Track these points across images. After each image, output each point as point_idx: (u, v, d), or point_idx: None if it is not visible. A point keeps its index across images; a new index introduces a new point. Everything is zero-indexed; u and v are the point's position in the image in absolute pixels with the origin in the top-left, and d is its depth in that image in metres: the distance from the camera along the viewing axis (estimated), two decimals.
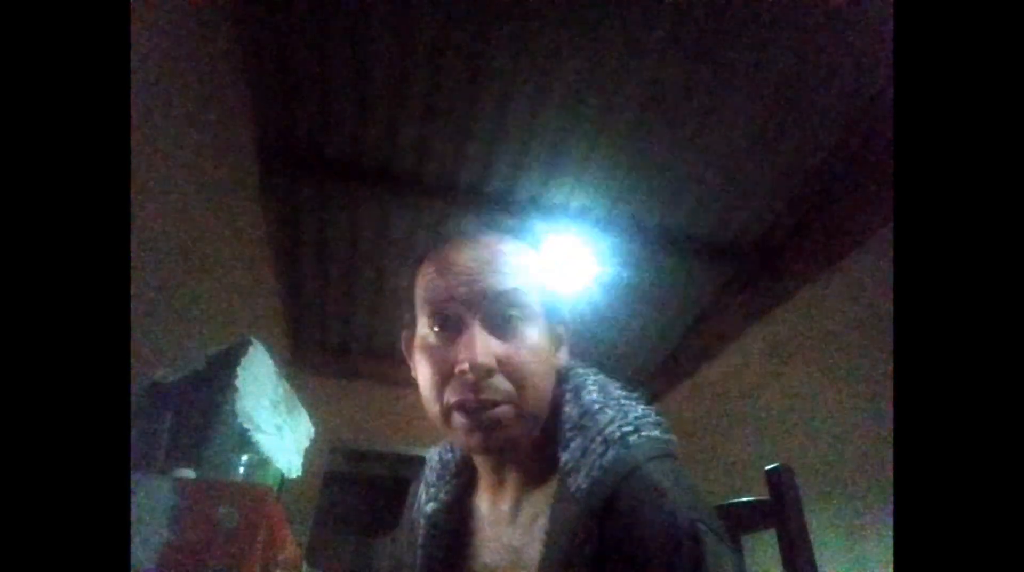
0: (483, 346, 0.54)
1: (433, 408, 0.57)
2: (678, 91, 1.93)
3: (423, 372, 0.58)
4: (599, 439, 0.53)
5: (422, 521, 0.64)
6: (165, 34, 1.36)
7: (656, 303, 2.93)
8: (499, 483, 0.61)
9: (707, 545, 0.45)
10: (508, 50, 1.85)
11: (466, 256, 0.58)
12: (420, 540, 0.62)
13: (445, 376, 0.55)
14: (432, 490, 0.66)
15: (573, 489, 0.51)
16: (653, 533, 0.46)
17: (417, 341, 0.59)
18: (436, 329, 0.57)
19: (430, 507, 0.64)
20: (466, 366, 0.52)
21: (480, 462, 0.63)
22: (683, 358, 3.30)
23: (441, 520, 0.63)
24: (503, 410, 0.54)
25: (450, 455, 0.68)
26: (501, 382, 0.54)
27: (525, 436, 0.56)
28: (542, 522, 0.54)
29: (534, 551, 0.53)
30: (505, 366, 0.54)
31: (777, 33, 1.73)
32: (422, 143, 2.18)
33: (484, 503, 0.63)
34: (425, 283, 0.59)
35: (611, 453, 0.51)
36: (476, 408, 0.54)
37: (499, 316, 0.56)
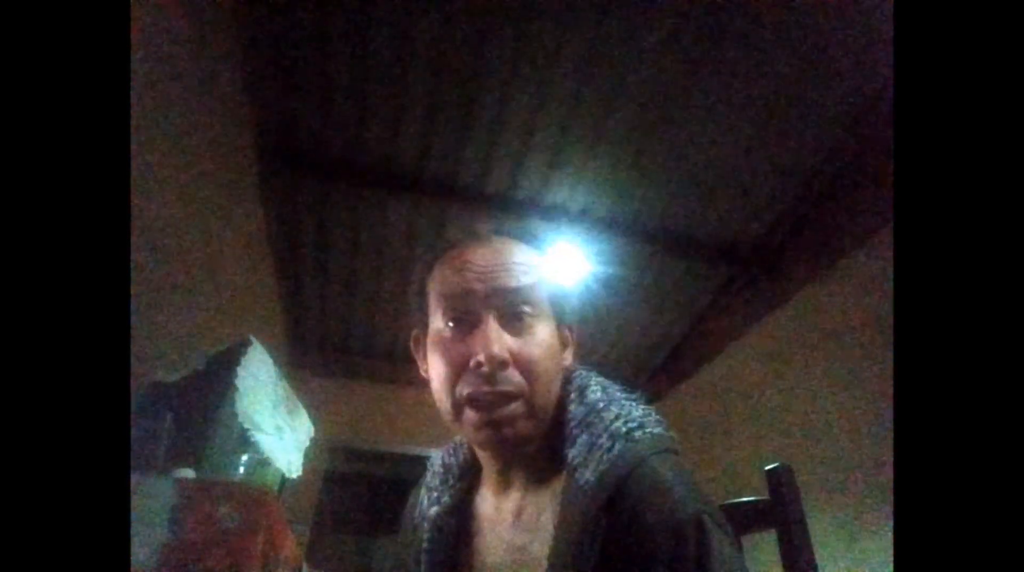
0: (498, 339, 0.56)
1: (445, 402, 0.59)
2: (678, 91, 1.93)
3: (437, 366, 0.59)
4: (605, 435, 0.54)
5: (426, 525, 0.64)
6: (165, 34, 1.36)
7: (656, 303, 2.93)
8: (504, 483, 0.62)
9: (712, 535, 0.46)
10: (508, 50, 1.85)
11: (482, 256, 0.61)
12: (424, 544, 0.63)
13: (459, 369, 0.57)
14: (435, 494, 0.66)
15: (581, 482, 0.52)
16: (659, 523, 0.47)
17: (431, 337, 0.61)
18: (451, 324, 0.59)
19: (433, 510, 0.64)
20: (482, 358, 0.54)
21: (487, 463, 0.64)
22: (683, 358, 3.30)
23: (444, 523, 0.63)
24: (514, 407, 0.55)
25: (453, 459, 0.69)
26: (513, 375, 0.56)
27: (533, 433, 0.58)
28: (547, 519, 0.55)
29: (538, 549, 0.54)
30: (517, 359, 0.56)
31: (777, 33, 1.73)
32: (422, 143, 2.18)
33: (487, 505, 0.64)
34: (441, 281, 0.61)
35: (617, 447, 0.52)
36: (489, 403, 0.55)
37: (512, 312, 0.58)
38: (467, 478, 0.68)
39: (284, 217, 2.52)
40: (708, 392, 3.11)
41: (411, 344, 0.67)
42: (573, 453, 0.55)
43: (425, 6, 1.74)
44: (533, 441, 0.59)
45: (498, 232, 0.65)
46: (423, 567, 0.62)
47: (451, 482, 0.67)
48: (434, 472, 0.70)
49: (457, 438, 0.71)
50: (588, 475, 0.52)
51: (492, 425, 0.56)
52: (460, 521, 0.64)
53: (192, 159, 1.62)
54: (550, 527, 0.54)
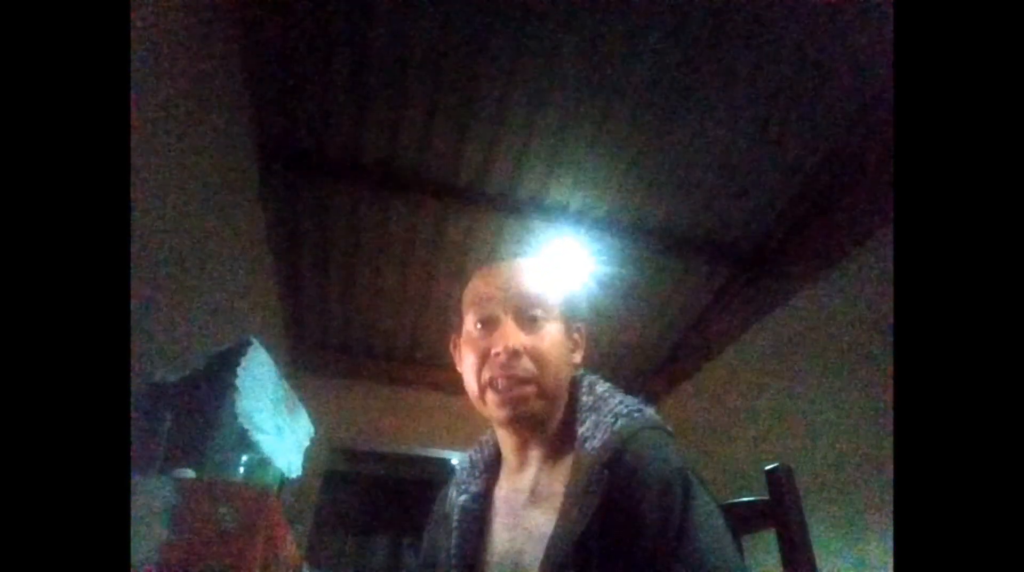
0: (514, 335, 0.70)
1: (473, 386, 0.73)
2: (678, 91, 1.93)
3: (467, 358, 0.74)
4: (610, 414, 0.66)
5: (456, 511, 0.75)
6: (165, 34, 1.36)
7: (656, 303, 2.93)
8: (521, 464, 0.74)
9: (694, 486, 0.59)
10: (508, 50, 1.85)
11: (503, 271, 0.77)
12: (455, 525, 0.73)
13: (483, 359, 0.71)
14: (463, 486, 0.78)
15: (589, 449, 0.64)
16: (652, 474, 0.59)
17: (463, 337, 0.76)
18: (478, 326, 0.73)
19: (462, 498, 0.75)
20: (500, 349, 0.68)
21: (507, 442, 0.76)
22: (683, 358, 3.30)
23: (470, 507, 0.75)
24: (527, 389, 0.69)
25: (479, 455, 0.81)
26: (527, 363, 0.69)
27: (543, 412, 0.71)
28: (559, 488, 0.66)
29: (550, 517, 0.64)
30: (530, 352, 0.70)
31: (777, 33, 1.73)
32: (422, 143, 2.18)
33: (505, 491, 0.75)
34: (471, 291, 0.77)
35: (620, 422, 0.64)
36: (506, 384, 0.69)
37: (526, 315, 0.72)
38: (491, 471, 0.79)
39: (284, 217, 2.52)
40: (708, 392, 3.11)
41: (450, 347, 0.82)
42: (583, 430, 0.67)
43: (425, 6, 1.74)
44: (545, 420, 0.71)
45: (518, 254, 0.77)
46: (454, 545, 0.72)
47: (477, 474, 0.79)
48: (463, 468, 0.81)
49: (483, 437, 0.83)
50: (595, 443, 0.63)
51: (509, 403, 0.69)
52: (483, 506, 0.75)
53: (192, 159, 1.62)
54: (561, 495, 0.64)
